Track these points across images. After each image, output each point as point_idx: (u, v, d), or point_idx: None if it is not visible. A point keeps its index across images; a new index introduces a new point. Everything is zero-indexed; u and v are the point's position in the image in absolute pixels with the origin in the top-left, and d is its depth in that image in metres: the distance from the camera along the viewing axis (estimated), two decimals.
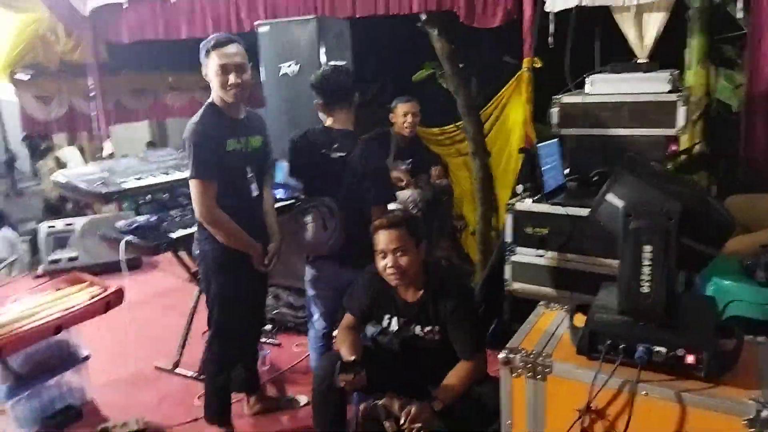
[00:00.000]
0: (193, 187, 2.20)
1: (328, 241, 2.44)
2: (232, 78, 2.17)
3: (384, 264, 2.09)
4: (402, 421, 1.91)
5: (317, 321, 2.62)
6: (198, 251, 2.42)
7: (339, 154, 2.42)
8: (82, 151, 6.89)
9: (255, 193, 2.38)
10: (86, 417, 2.80)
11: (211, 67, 2.19)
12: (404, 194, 3.41)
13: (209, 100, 2.29)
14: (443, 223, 3.82)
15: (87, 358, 2.90)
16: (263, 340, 3.40)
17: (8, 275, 4.96)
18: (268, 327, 3.46)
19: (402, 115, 3.50)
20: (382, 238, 2.09)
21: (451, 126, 4.44)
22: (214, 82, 2.20)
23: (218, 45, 2.17)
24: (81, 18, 5.10)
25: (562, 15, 3.20)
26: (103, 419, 2.77)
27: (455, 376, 2.06)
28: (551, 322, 1.87)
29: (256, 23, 3.93)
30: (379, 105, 3.82)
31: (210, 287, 2.39)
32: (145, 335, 3.50)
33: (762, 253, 2.28)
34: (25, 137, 7.21)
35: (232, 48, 2.19)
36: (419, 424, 1.90)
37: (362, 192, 2.41)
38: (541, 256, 2.61)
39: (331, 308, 2.58)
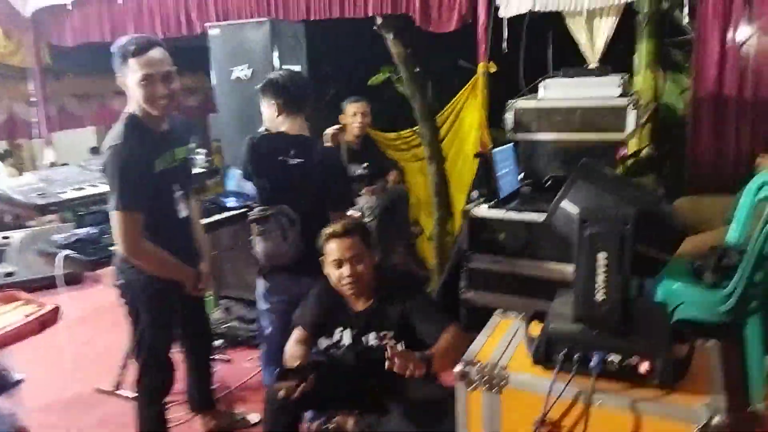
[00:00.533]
0: (117, 219, 1.95)
1: (287, 252, 2.32)
2: (160, 89, 1.91)
3: (340, 273, 2.02)
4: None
5: (270, 336, 2.52)
6: (121, 281, 2.16)
7: (297, 160, 2.30)
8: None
9: (183, 214, 2.18)
10: None
11: (132, 76, 1.91)
12: (361, 201, 3.35)
13: (128, 112, 2.00)
14: (400, 228, 3.77)
15: (20, 381, 2.71)
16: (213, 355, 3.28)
17: None
18: (218, 342, 3.33)
19: (351, 115, 3.47)
20: (337, 247, 2.01)
21: (408, 131, 4.41)
22: (138, 93, 1.92)
23: (140, 51, 1.88)
24: (22, 19, 4.86)
25: (516, 20, 3.21)
26: None
27: (444, 339, 1.92)
28: (507, 331, 1.83)
29: (206, 25, 3.82)
30: (335, 109, 3.75)
31: (138, 318, 2.18)
32: (84, 355, 3.32)
33: (710, 255, 2.31)
34: None
35: (157, 53, 1.92)
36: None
37: (321, 199, 2.33)
38: (497, 262, 2.58)
39: (285, 322, 2.48)
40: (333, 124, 3.61)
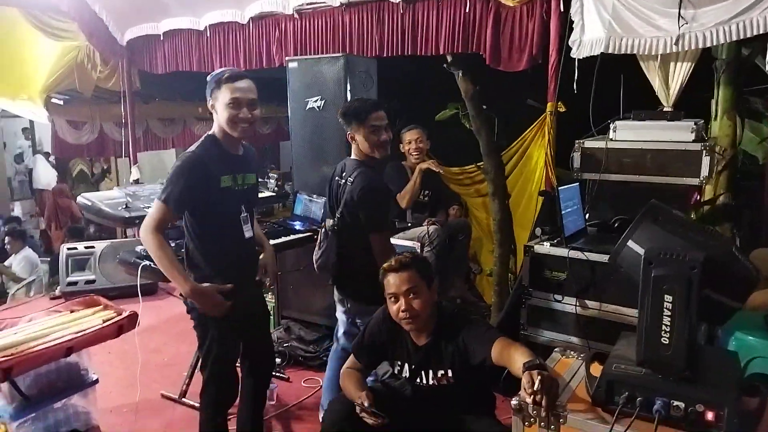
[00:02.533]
0: (156, 207, 2.13)
1: (318, 259, 2.58)
2: (243, 112, 2.14)
3: (397, 307, 2.03)
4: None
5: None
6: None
7: (341, 180, 2.52)
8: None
9: (248, 235, 2.30)
10: None
11: (221, 99, 2.14)
12: (421, 230, 3.40)
13: (210, 133, 2.24)
14: (459, 262, 3.78)
15: (95, 382, 2.88)
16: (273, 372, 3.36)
17: (26, 295, 5.02)
18: (277, 360, 3.41)
19: (407, 142, 3.56)
20: (393, 281, 2.03)
21: (472, 166, 4.45)
22: (223, 114, 2.14)
23: (232, 78, 2.14)
24: (118, 47, 5.30)
25: (588, 60, 3.22)
26: None
27: (496, 350, 1.86)
28: (567, 370, 1.82)
29: (286, 59, 4.04)
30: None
31: (206, 331, 2.28)
32: (154, 362, 3.48)
33: None
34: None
35: (245, 83, 2.16)
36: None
37: (355, 217, 2.45)
38: (558, 301, 2.55)
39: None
40: (399, 157, 3.74)
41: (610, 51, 3.08)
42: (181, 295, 2.28)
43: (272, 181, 3.82)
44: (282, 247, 3.32)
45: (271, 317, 4.09)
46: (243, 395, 2.53)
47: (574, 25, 3.20)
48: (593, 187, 2.84)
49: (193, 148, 2.19)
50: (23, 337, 2.54)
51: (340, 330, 2.67)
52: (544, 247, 2.60)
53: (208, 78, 2.21)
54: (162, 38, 5.10)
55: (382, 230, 2.48)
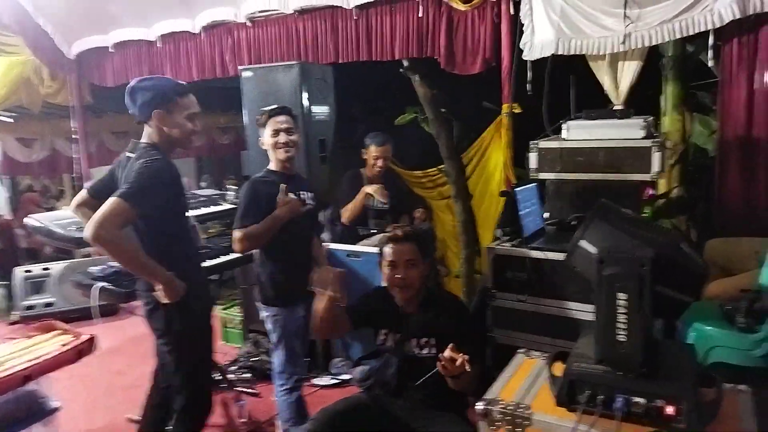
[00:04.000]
0: (108, 204, 1.98)
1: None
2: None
3: (392, 273, 2.18)
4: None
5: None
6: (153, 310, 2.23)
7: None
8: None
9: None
10: None
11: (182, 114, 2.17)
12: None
13: (149, 142, 2.18)
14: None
15: (56, 410, 2.78)
16: (241, 389, 3.31)
17: None
18: (248, 375, 3.37)
19: (373, 156, 3.48)
20: (394, 250, 2.19)
21: (434, 169, 4.49)
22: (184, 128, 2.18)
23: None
24: (66, 61, 5.15)
25: (540, 62, 3.28)
26: None
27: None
28: (530, 371, 1.83)
29: (240, 68, 4.00)
30: (360, 149, 3.86)
31: (180, 352, 2.23)
32: (118, 385, 3.38)
33: (742, 298, 2.27)
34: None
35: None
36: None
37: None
38: (521, 301, 2.58)
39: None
40: (361, 161, 3.72)
41: (560, 52, 3.16)
42: (150, 316, 2.25)
43: (231, 193, 3.75)
44: (246, 259, 3.27)
45: (239, 331, 4.04)
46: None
47: (524, 28, 3.26)
48: (550, 187, 2.89)
49: (152, 156, 2.09)
50: None
51: None
52: (505, 248, 2.63)
53: (144, 86, 2.16)
54: (111, 50, 4.98)
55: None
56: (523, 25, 3.26)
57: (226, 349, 3.94)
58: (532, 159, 2.76)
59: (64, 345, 2.64)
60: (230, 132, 7.51)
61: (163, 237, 2.15)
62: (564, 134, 2.76)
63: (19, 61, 5.21)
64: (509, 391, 1.70)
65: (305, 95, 3.64)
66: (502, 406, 1.60)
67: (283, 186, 2.51)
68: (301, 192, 2.66)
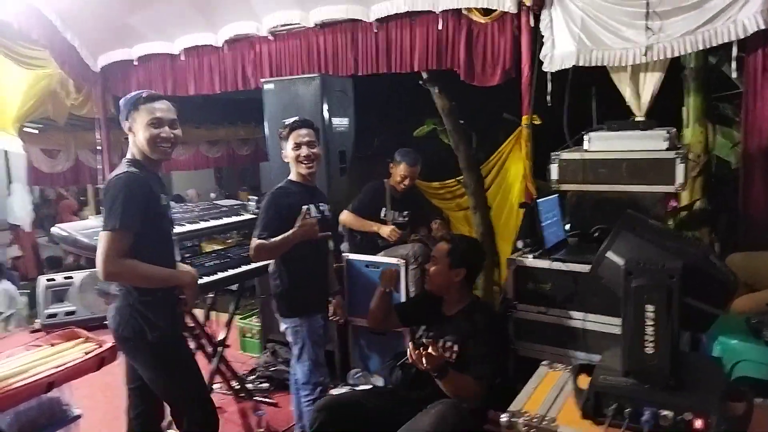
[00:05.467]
0: (108, 238, 1.99)
1: None
2: (165, 131, 2.11)
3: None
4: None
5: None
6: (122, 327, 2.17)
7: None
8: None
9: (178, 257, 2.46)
10: None
11: (140, 120, 2.10)
12: (405, 248, 3.39)
13: (129, 157, 2.16)
14: None
15: (78, 417, 2.81)
16: (259, 398, 3.32)
17: (5, 329, 4.89)
18: (265, 385, 3.38)
19: (400, 174, 3.49)
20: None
21: (452, 180, 4.48)
22: (144, 135, 2.10)
23: (150, 99, 2.12)
24: (91, 74, 5.26)
25: (561, 73, 3.28)
26: None
27: (465, 379, 2.18)
28: (555, 384, 1.82)
29: (261, 80, 4.05)
30: (380, 158, 3.87)
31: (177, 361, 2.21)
32: None
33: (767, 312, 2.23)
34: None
35: (164, 104, 2.15)
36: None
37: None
38: (543, 313, 2.56)
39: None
40: (379, 172, 3.74)
41: (580, 64, 3.15)
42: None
43: (252, 203, 3.78)
44: (264, 269, 3.29)
45: (257, 341, 4.05)
46: None
47: (544, 40, 3.26)
48: (571, 198, 2.87)
49: (122, 170, 2.08)
50: (2, 374, 2.47)
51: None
52: (527, 260, 2.62)
53: (122, 102, 2.16)
54: (136, 63, 5.07)
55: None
56: (543, 36, 3.27)
57: (243, 359, 3.95)
58: (554, 170, 2.75)
59: (87, 353, 2.67)
60: (249, 143, 7.60)
61: (146, 252, 2.08)
62: (586, 145, 2.75)
63: (46, 74, 5.32)
64: (534, 403, 1.69)
65: (326, 107, 3.68)
66: (527, 418, 1.59)
67: (304, 208, 2.54)
68: (320, 204, 2.69)
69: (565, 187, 2.77)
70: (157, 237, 2.15)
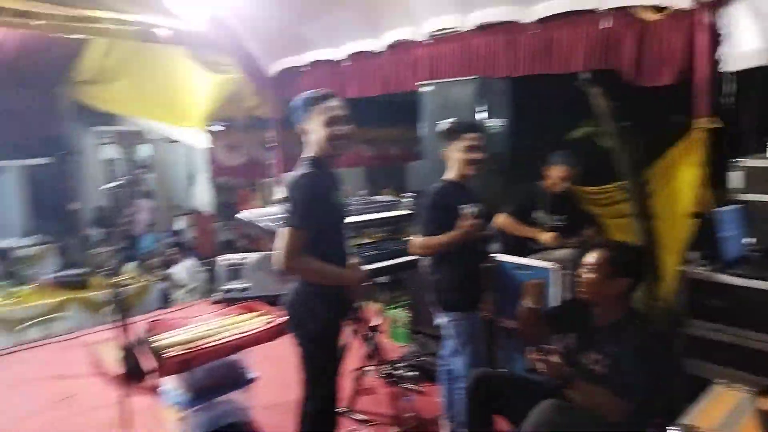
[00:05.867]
0: (289, 235, 2.18)
1: None
2: (341, 128, 2.27)
3: (579, 273, 2.31)
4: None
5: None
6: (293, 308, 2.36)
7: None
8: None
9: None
10: None
11: (316, 119, 2.27)
12: (562, 253, 3.35)
13: (308, 156, 2.31)
14: None
15: (253, 380, 3.19)
16: (408, 386, 3.48)
17: (188, 299, 5.63)
18: (415, 374, 3.53)
19: (557, 176, 3.50)
20: (591, 255, 2.30)
21: (611, 185, 4.28)
22: (321, 133, 2.25)
23: (325, 98, 2.27)
24: (267, 79, 5.84)
25: (743, 73, 3.01)
26: None
27: (592, 386, 2.09)
28: (730, 403, 1.72)
29: (419, 83, 4.20)
30: (534, 161, 3.83)
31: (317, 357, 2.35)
32: None
33: None
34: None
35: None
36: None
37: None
38: (716, 330, 2.39)
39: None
40: (532, 175, 3.72)
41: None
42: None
43: (408, 199, 3.95)
44: (415, 263, 3.44)
45: (405, 331, 4.24)
46: None
47: (723, 37, 3.02)
48: (756, 210, 2.63)
49: (304, 170, 2.23)
50: (197, 335, 2.90)
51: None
52: (701, 272, 2.46)
53: (296, 102, 2.32)
54: (306, 69, 5.52)
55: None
56: (722, 34, 3.02)
57: (392, 347, 4.15)
58: (737, 178, 2.55)
59: (268, 323, 3.03)
60: (399, 144, 7.88)
61: (322, 245, 2.23)
62: None
63: (232, 79, 6.02)
64: (708, 421, 1.62)
65: (482, 109, 3.73)
66: None
67: (467, 210, 2.62)
68: (474, 204, 2.76)
69: (748, 196, 2.55)
70: (332, 233, 2.33)
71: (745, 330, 2.31)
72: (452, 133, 2.72)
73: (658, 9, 3.26)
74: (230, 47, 5.50)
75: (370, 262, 3.40)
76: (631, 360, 2.08)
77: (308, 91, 2.33)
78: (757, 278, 2.27)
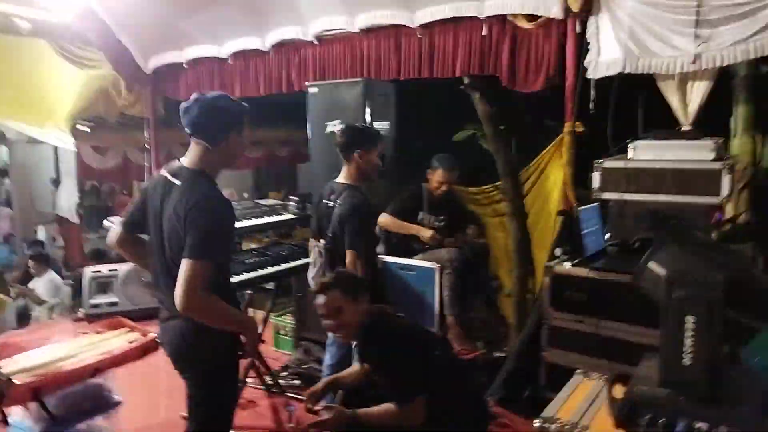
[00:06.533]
0: (192, 268, 1.80)
1: (314, 278, 2.78)
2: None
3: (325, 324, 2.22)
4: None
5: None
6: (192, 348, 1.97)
7: (329, 203, 2.75)
8: None
9: None
10: None
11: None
12: (442, 252, 3.41)
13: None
14: (479, 283, 3.78)
15: (118, 404, 2.93)
16: (291, 394, 3.38)
17: (49, 317, 5.10)
18: (297, 382, 3.43)
19: (437, 181, 3.57)
20: (318, 302, 2.19)
21: (490, 186, 4.46)
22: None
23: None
24: (142, 75, 5.46)
25: (606, 80, 3.23)
26: None
27: (377, 408, 2.07)
28: (588, 392, 1.81)
29: (306, 84, 4.12)
30: (420, 164, 3.89)
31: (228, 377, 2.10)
32: (176, 385, 3.51)
33: None
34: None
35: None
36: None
37: (342, 238, 2.63)
38: (579, 321, 2.53)
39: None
40: (418, 176, 3.77)
41: (626, 71, 3.10)
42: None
43: (292, 204, 3.85)
44: (302, 268, 3.36)
45: (290, 339, 4.12)
46: None
47: (590, 46, 3.22)
48: (613, 207, 2.83)
49: (209, 187, 1.93)
50: (51, 358, 2.61)
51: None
52: (564, 268, 2.60)
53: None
54: (186, 66, 5.23)
55: (358, 250, 2.61)
56: (588, 43, 3.23)
57: (276, 355, 4.03)
58: (596, 178, 2.72)
59: (131, 342, 2.80)
60: (289, 145, 7.72)
61: (222, 275, 1.96)
62: (630, 154, 2.71)
63: (100, 74, 5.55)
64: (567, 410, 1.68)
65: (368, 111, 3.73)
66: (560, 424, 1.58)
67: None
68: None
69: (607, 195, 2.74)
70: (227, 265, 2.05)
71: (602, 320, 2.46)
72: (374, 137, 2.79)
73: (532, 18, 3.42)
74: (101, 41, 5.07)
75: (255, 269, 3.26)
76: (386, 360, 2.10)
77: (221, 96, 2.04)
78: (614, 271, 2.43)
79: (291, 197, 3.88)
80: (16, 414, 2.75)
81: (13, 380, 2.44)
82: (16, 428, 2.74)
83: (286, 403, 3.27)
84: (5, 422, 2.83)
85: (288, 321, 4.16)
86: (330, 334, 2.70)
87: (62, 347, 2.75)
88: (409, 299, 3.32)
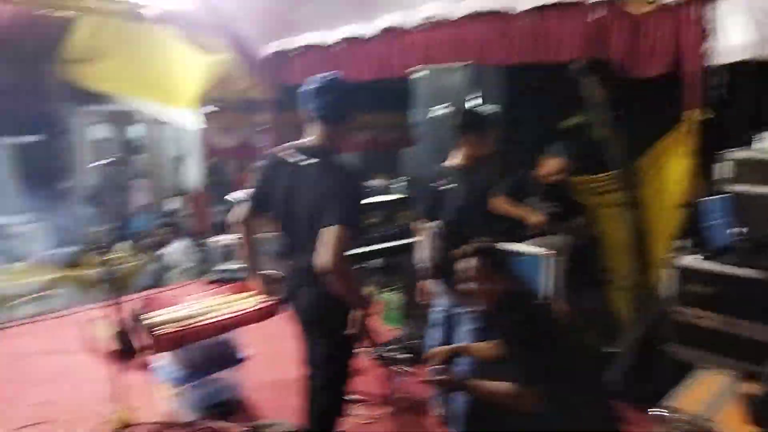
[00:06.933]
0: (338, 233, 1.96)
1: (428, 260, 2.83)
2: None
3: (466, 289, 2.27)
4: None
5: None
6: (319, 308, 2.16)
7: (444, 186, 2.77)
8: None
9: None
10: (240, 413, 3.11)
11: None
12: (555, 239, 3.39)
13: None
14: (590, 273, 3.72)
15: (244, 359, 3.22)
16: (401, 368, 3.53)
17: (180, 280, 5.65)
18: (408, 356, 3.58)
19: (553, 168, 3.53)
20: (469, 265, 2.23)
21: (603, 175, 4.33)
22: None
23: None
24: (259, 61, 5.80)
25: (732, 66, 3.04)
26: (254, 417, 3.07)
27: (492, 383, 2.07)
28: (712, 387, 1.78)
29: (411, 69, 4.19)
30: (526, 149, 3.86)
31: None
32: (292, 346, 3.78)
33: None
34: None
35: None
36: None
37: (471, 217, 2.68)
38: (701, 317, 2.45)
39: None
40: (524, 161, 3.75)
41: (755, 56, 2.89)
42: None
43: (401, 185, 3.96)
44: (408, 248, 3.46)
45: (398, 314, 4.28)
46: None
47: (713, 31, 3.05)
48: (742, 200, 2.68)
49: (340, 161, 2.15)
50: (191, 313, 2.92)
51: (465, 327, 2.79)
52: (690, 261, 2.51)
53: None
54: (297, 52, 5.49)
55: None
56: (712, 28, 3.05)
57: (384, 330, 4.20)
58: (723, 169, 2.59)
59: (255, 305, 3.06)
60: (394, 130, 7.85)
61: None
62: (759, 144, 2.55)
63: (223, 59, 5.96)
64: (690, 403, 1.68)
65: (479, 95, 3.74)
66: (683, 415, 1.58)
67: None
68: None
69: (735, 187, 2.60)
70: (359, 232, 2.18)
71: (729, 317, 2.36)
72: (482, 125, 2.81)
73: (647, 2, 3.28)
74: (220, 28, 5.45)
75: (365, 245, 3.40)
76: (517, 335, 2.06)
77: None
78: (744, 266, 2.32)
79: (397, 179, 3.99)
80: (159, 361, 3.09)
81: (158, 331, 2.71)
82: (160, 373, 3.09)
83: (395, 374, 3.42)
84: (150, 368, 3.22)
85: (397, 297, 4.30)
86: (432, 318, 2.79)
87: (198, 305, 3.04)
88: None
